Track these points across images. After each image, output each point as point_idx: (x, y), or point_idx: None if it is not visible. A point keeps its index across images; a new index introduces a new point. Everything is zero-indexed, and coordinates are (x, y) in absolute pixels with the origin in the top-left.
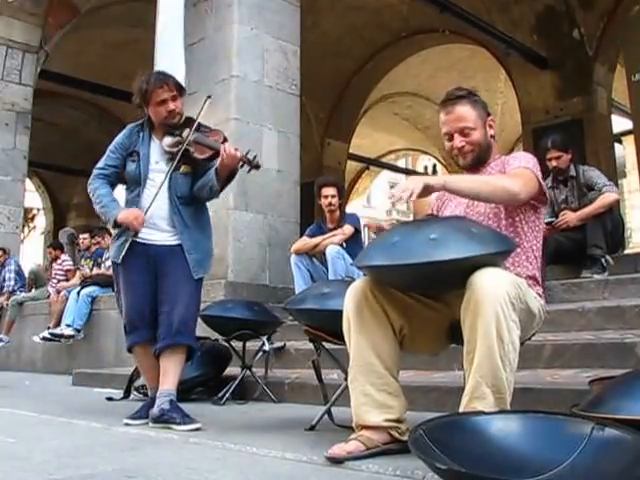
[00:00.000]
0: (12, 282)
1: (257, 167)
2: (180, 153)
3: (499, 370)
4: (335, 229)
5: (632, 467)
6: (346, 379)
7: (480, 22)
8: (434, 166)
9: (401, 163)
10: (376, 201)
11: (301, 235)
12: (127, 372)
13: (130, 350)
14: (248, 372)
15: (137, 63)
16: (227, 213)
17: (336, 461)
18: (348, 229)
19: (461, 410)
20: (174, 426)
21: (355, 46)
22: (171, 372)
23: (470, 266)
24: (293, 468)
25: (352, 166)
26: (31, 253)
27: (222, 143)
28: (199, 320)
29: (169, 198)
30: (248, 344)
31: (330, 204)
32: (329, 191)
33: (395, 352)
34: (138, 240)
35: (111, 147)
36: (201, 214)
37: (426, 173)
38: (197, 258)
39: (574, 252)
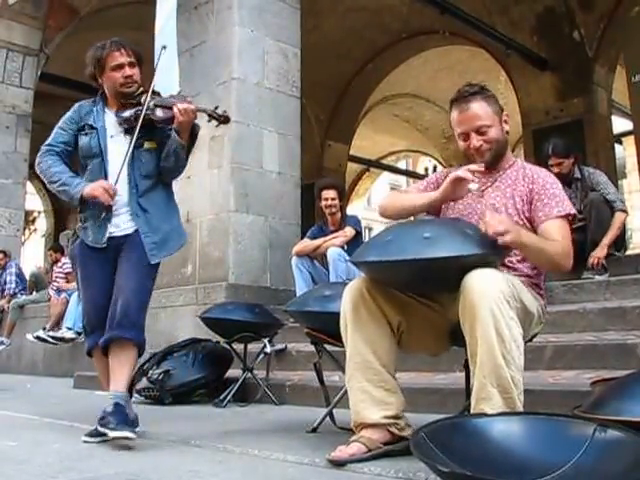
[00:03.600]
0: (13, 285)
1: (226, 120)
2: (141, 118)
3: (502, 369)
4: (336, 231)
5: (634, 469)
6: None
7: (480, 23)
8: (434, 167)
9: (401, 165)
10: (377, 203)
11: (302, 237)
12: None
13: (90, 354)
14: (249, 374)
15: None
16: (228, 215)
17: (338, 464)
18: (349, 231)
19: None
20: (107, 431)
21: (355, 48)
22: (117, 371)
23: (462, 265)
24: (295, 471)
25: (353, 168)
26: (32, 256)
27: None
28: (200, 322)
29: (128, 179)
30: (249, 346)
31: (330, 206)
32: (329, 194)
33: (392, 349)
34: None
35: (60, 124)
36: (164, 198)
37: (426, 174)
38: (154, 240)
39: (575, 253)
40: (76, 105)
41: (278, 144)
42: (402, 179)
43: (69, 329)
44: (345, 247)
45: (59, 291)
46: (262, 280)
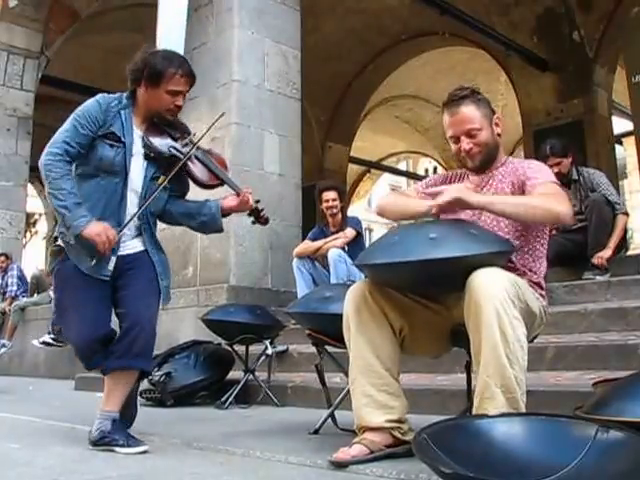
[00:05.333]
0: (14, 287)
1: (265, 222)
2: (179, 165)
3: (506, 368)
4: (337, 232)
5: (637, 469)
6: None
7: (480, 24)
8: (435, 169)
9: (402, 166)
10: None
11: (303, 239)
12: None
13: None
14: (251, 376)
15: None
16: (228, 217)
17: (340, 465)
18: (350, 232)
19: (474, 412)
20: (117, 448)
21: (355, 49)
22: (118, 394)
23: (468, 265)
24: (297, 472)
25: (353, 169)
26: (33, 258)
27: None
28: (201, 324)
29: (142, 213)
30: (251, 348)
31: (331, 207)
32: (330, 195)
33: (395, 353)
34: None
35: (80, 119)
36: (157, 239)
37: (427, 175)
38: (167, 285)
39: (576, 254)
40: (101, 100)
41: (279, 146)
42: (403, 180)
43: None
44: (346, 248)
45: None
46: (263, 282)
